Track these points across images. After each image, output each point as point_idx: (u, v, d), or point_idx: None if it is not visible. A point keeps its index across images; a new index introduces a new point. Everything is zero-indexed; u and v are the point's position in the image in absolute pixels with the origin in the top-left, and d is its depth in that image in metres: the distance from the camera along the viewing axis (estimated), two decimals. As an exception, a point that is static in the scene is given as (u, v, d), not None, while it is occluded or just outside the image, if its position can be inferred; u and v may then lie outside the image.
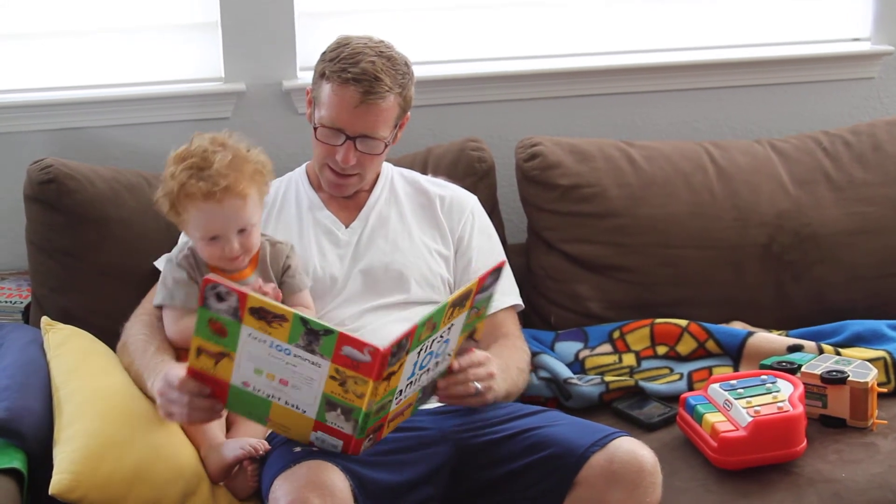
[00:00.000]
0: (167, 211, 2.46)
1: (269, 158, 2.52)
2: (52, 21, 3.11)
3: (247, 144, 2.49)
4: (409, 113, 2.73)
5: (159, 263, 2.74)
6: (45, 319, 2.63)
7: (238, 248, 2.45)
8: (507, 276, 2.85)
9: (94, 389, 2.42)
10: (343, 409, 2.18)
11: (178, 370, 2.26)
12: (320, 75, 2.66)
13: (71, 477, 2.21)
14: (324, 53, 2.69)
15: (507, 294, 2.80)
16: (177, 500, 2.32)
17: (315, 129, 2.67)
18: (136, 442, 2.33)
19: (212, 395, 2.23)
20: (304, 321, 2.11)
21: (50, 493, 2.21)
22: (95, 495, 2.22)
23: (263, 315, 2.12)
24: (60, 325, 2.62)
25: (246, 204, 2.43)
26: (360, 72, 2.59)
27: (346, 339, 2.11)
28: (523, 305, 2.86)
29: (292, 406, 2.21)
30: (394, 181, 2.84)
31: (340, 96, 2.61)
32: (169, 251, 2.75)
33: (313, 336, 2.12)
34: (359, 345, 2.11)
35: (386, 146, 2.69)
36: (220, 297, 2.10)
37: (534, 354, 2.87)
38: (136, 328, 2.59)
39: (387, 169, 2.84)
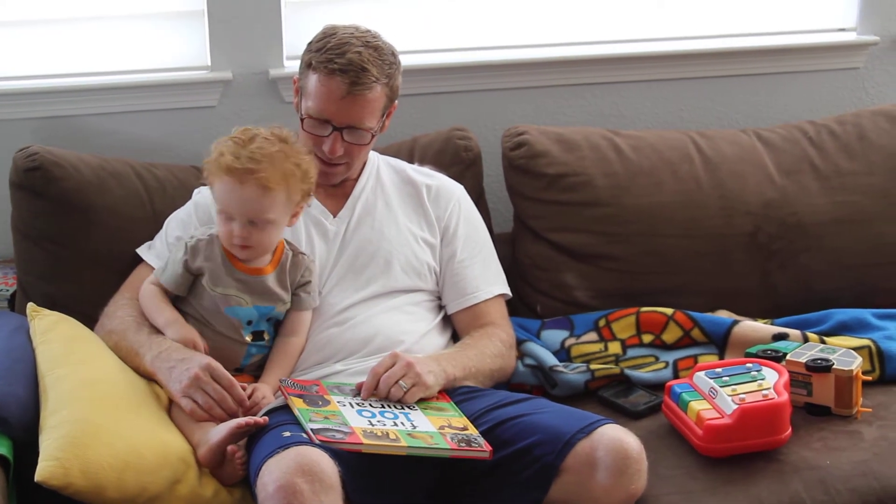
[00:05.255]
0: (206, 177, 2.53)
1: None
2: (38, 9, 3.10)
3: (305, 151, 2.55)
4: (396, 102, 2.73)
5: (142, 251, 2.74)
6: (30, 306, 2.62)
7: (241, 237, 2.47)
8: (494, 264, 2.85)
9: (80, 376, 2.42)
10: None
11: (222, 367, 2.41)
12: (307, 65, 2.66)
13: (57, 464, 2.20)
14: (310, 43, 2.69)
15: (494, 283, 2.81)
16: (163, 487, 2.31)
17: (302, 119, 2.67)
18: (123, 429, 2.32)
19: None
20: (417, 457, 2.31)
21: (36, 479, 2.19)
22: (81, 482, 2.21)
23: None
24: (46, 312, 2.61)
25: (266, 196, 2.45)
26: (346, 62, 2.59)
27: (456, 454, 2.32)
28: (510, 294, 2.87)
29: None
30: (380, 170, 2.84)
31: (327, 87, 2.61)
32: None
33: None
34: (470, 453, 2.33)
35: (373, 136, 2.69)
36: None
37: (520, 342, 2.88)
38: (122, 311, 2.62)
39: (373, 157, 2.84)
